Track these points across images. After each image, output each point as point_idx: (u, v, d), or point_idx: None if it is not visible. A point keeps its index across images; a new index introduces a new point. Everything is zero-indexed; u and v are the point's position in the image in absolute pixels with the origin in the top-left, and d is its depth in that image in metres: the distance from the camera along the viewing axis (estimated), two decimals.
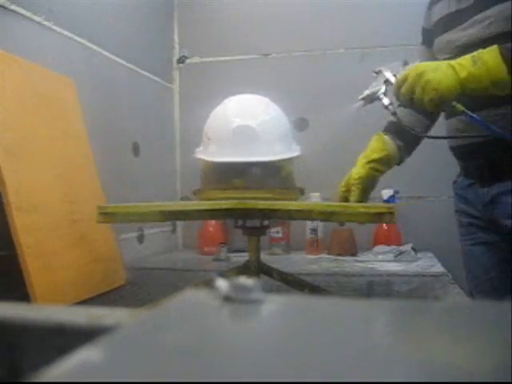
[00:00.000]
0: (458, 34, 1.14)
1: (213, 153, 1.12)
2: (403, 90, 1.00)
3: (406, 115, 1.22)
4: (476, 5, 1.12)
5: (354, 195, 1.13)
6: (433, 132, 1.31)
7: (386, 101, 1.07)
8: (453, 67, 0.96)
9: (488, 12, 1.09)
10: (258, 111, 1.15)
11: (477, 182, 1.20)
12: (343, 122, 1.19)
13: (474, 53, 0.97)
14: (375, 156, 1.16)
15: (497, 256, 1.21)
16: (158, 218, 1.02)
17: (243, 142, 1.10)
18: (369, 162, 1.16)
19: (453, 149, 1.25)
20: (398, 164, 1.23)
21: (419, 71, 0.97)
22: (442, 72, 0.96)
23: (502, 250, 1.18)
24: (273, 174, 1.15)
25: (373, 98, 1.08)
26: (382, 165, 1.17)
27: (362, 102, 1.10)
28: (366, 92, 1.08)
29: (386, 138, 1.19)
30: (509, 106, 1.08)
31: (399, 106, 1.10)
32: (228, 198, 1.07)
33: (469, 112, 1.01)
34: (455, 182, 1.31)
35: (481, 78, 0.94)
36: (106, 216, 0.97)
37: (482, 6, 1.10)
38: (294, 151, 1.18)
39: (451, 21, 1.17)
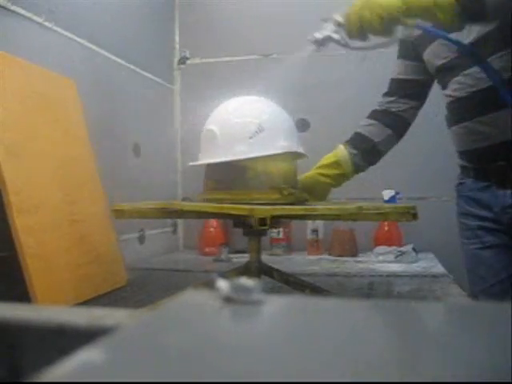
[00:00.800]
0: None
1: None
2: (352, 18, 1.03)
3: (368, 125, 1.31)
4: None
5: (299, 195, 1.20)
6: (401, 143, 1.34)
7: (336, 36, 1.09)
8: None
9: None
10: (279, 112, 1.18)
11: (494, 184, 1.19)
12: (298, 66, 1.23)
13: None
14: (323, 162, 1.27)
15: (508, 258, 1.20)
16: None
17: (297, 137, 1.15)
18: (317, 167, 1.27)
19: (466, 153, 1.24)
20: (357, 172, 1.30)
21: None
22: None
23: None
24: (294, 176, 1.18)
25: (325, 40, 1.11)
26: (330, 169, 1.26)
27: (313, 46, 1.12)
28: (317, 34, 1.10)
29: (341, 146, 1.29)
30: (507, 109, 1.08)
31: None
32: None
33: (421, 24, 1.02)
34: (461, 184, 1.29)
35: None
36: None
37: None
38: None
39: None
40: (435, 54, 1.22)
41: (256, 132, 1.08)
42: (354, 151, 1.28)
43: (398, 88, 1.32)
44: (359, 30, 1.03)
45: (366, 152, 1.29)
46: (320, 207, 1.08)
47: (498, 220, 1.20)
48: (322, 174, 1.26)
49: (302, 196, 1.17)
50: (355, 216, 1.01)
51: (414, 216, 0.97)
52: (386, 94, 1.34)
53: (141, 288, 1.29)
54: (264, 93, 1.20)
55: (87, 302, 1.09)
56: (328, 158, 1.28)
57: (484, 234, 1.23)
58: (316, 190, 1.25)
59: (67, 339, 0.35)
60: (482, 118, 1.15)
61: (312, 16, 1.98)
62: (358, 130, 1.32)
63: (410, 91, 1.29)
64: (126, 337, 0.28)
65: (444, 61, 1.21)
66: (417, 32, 1.24)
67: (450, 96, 1.21)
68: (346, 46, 1.10)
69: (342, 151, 1.28)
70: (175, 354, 0.25)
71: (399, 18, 0.98)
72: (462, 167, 1.28)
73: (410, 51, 1.28)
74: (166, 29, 2.11)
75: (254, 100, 1.20)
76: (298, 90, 1.92)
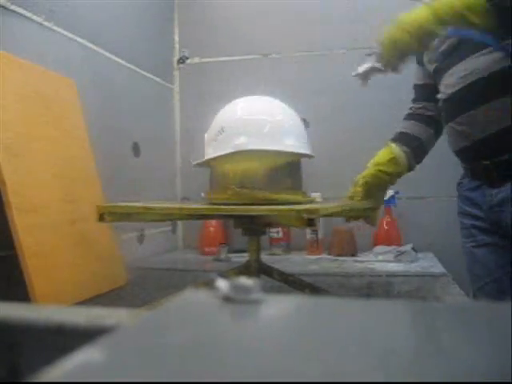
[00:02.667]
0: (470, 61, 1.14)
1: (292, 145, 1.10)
2: (386, 41, 1.01)
3: (412, 125, 1.31)
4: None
5: (357, 195, 1.22)
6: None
7: (377, 64, 1.07)
8: (425, 4, 0.99)
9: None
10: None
11: (484, 183, 1.20)
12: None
13: None
14: (381, 160, 1.23)
15: (501, 257, 1.20)
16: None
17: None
18: (375, 165, 1.23)
19: (457, 152, 1.25)
20: (409, 170, 1.29)
21: (394, 21, 1.01)
22: (414, 10, 0.99)
23: (508, 252, 1.18)
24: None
25: (367, 72, 1.09)
26: (389, 167, 1.23)
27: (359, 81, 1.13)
28: (360, 68, 1.10)
29: (393, 145, 1.26)
30: (507, 98, 1.08)
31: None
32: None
33: (453, 29, 1.03)
34: (460, 184, 1.30)
35: (453, 4, 0.94)
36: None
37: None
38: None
39: (456, 52, 1.17)
40: (430, 59, 1.24)
41: (219, 132, 1.09)
42: (407, 149, 1.26)
43: (420, 94, 1.34)
44: (394, 50, 1.01)
45: (417, 150, 1.29)
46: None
47: (488, 219, 1.21)
48: (383, 172, 1.23)
49: (256, 195, 1.09)
50: None
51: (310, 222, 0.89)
52: (414, 101, 1.36)
53: (140, 287, 1.29)
54: (264, 93, 1.20)
55: (87, 302, 1.09)
56: (384, 156, 1.24)
57: (477, 233, 1.25)
58: (377, 188, 1.23)
59: (67, 339, 0.35)
60: (459, 117, 1.16)
61: (312, 16, 1.99)
62: (404, 130, 1.31)
63: (432, 95, 1.27)
64: (125, 336, 0.28)
65: (435, 64, 1.22)
66: (433, 63, 1.25)
67: (439, 98, 1.23)
68: (387, 71, 1.09)
69: (396, 149, 1.25)
70: (175, 354, 0.25)
71: (430, 29, 0.97)
72: (463, 167, 1.29)
73: (421, 57, 1.29)
74: (166, 28, 2.11)
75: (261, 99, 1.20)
76: (298, 90, 1.92)
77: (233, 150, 1.06)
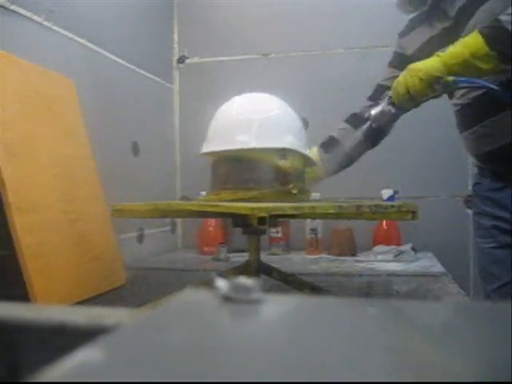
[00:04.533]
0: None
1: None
2: (399, 88, 1.09)
3: (341, 129, 1.35)
4: (457, 19, 1.14)
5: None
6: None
7: (387, 108, 1.14)
8: (436, 54, 1.06)
9: (475, 18, 1.10)
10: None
11: (509, 184, 1.20)
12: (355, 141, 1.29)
13: None
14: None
15: None
16: None
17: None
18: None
19: (480, 155, 1.25)
20: (328, 175, 1.32)
21: (407, 67, 1.08)
22: (426, 59, 1.07)
23: None
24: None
25: (378, 114, 1.16)
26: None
27: (368, 123, 1.16)
28: (373, 111, 1.15)
29: (314, 149, 1.31)
30: (505, 113, 1.09)
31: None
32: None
33: (460, 78, 1.05)
34: (478, 184, 1.30)
35: (459, 52, 1.02)
36: None
37: (465, 17, 1.12)
38: None
39: (441, 39, 1.19)
40: None
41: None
42: (326, 155, 1.30)
43: (380, 93, 1.33)
44: (406, 96, 1.09)
45: (337, 156, 1.30)
46: (315, 205, 1.07)
47: (511, 220, 1.21)
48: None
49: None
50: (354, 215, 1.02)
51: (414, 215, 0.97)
52: (369, 98, 1.35)
53: (140, 287, 1.29)
54: (263, 92, 1.20)
55: (87, 301, 1.09)
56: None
57: (499, 234, 1.24)
58: None
59: (67, 338, 0.35)
60: (487, 121, 1.17)
61: (311, 16, 1.99)
62: (333, 134, 1.34)
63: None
64: (125, 336, 0.28)
65: None
66: (415, 46, 1.26)
67: (457, 104, 1.23)
68: (398, 114, 1.17)
69: (314, 154, 1.29)
70: (175, 354, 0.25)
71: (440, 76, 1.04)
72: (479, 168, 1.29)
73: (404, 64, 1.28)
74: (165, 28, 2.11)
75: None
76: (298, 89, 1.92)
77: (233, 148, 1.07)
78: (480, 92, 1.15)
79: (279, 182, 1.10)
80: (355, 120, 1.33)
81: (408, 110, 1.14)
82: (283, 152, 1.09)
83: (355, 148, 1.31)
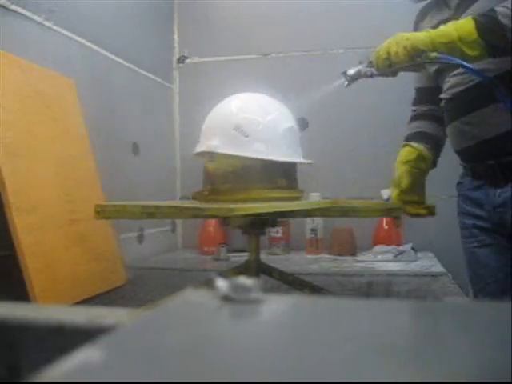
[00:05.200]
0: None
1: (261, 151, 1.10)
2: (381, 51, 1.09)
3: (425, 125, 1.31)
4: (456, 11, 1.14)
5: (394, 195, 1.22)
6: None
7: (366, 69, 1.13)
8: (426, 30, 1.07)
9: (469, 11, 1.10)
10: (286, 113, 1.18)
11: (487, 183, 1.19)
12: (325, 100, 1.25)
13: None
14: (409, 157, 1.23)
15: (504, 258, 1.20)
16: None
17: (289, 143, 1.14)
18: (404, 163, 1.22)
19: (459, 152, 1.24)
20: (433, 167, 1.29)
21: (396, 34, 1.08)
22: (416, 32, 1.08)
23: (509, 252, 1.18)
24: (296, 174, 1.21)
25: (355, 74, 1.14)
26: (419, 163, 1.23)
27: (344, 81, 1.16)
28: (350, 71, 1.15)
29: (412, 143, 1.25)
30: (485, 109, 1.10)
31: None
32: (277, 198, 1.09)
33: (442, 55, 1.05)
34: (460, 184, 1.30)
35: (449, 33, 1.02)
36: None
37: (463, 8, 1.12)
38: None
39: None
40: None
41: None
42: (428, 146, 1.26)
43: (424, 96, 1.34)
44: (386, 60, 1.08)
45: (435, 147, 1.29)
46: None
47: (490, 219, 1.20)
48: (416, 168, 1.23)
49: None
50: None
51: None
52: (417, 103, 1.35)
53: (140, 287, 1.29)
54: (263, 92, 1.20)
55: (86, 301, 1.09)
56: (410, 154, 1.24)
57: (479, 233, 1.24)
58: (415, 185, 1.23)
59: (66, 338, 0.35)
60: (465, 117, 1.17)
61: (311, 16, 1.99)
62: (418, 130, 1.30)
63: (436, 97, 1.27)
64: (125, 336, 0.28)
65: (436, 66, 1.22)
66: None
67: (443, 99, 1.23)
68: (371, 76, 1.15)
69: (419, 146, 1.25)
70: (174, 353, 0.25)
71: (424, 50, 1.04)
72: (462, 166, 1.28)
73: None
74: (165, 28, 2.11)
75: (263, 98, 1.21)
76: (298, 89, 1.92)
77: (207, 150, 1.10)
78: (463, 87, 1.15)
79: (209, 184, 1.13)
80: (424, 117, 1.33)
81: (384, 75, 1.13)
82: (210, 155, 1.12)
83: (442, 138, 1.31)
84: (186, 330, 0.29)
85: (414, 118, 1.34)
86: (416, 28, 1.31)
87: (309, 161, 1.19)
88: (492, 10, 1.00)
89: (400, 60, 1.06)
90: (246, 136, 1.10)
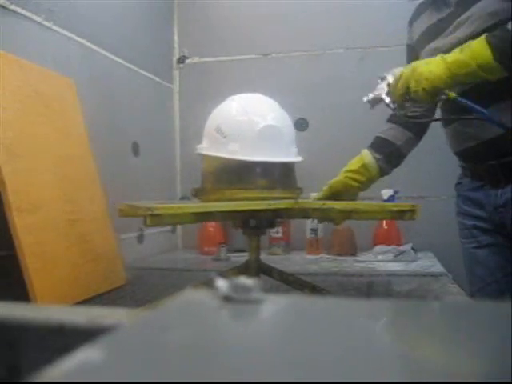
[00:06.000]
0: (444, 40, 1.16)
1: (235, 151, 1.10)
2: (399, 85, 1.06)
3: (389, 129, 1.31)
4: (456, 9, 1.13)
5: (318, 196, 1.26)
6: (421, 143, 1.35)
7: (387, 99, 1.12)
8: (442, 57, 1.03)
9: (469, 12, 1.10)
10: (275, 111, 1.17)
11: (487, 183, 1.19)
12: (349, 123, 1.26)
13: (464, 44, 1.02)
14: (351, 167, 1.27)
15: (504, 258, 1.20)
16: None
17: (268, 142, 1.12)
18: (345, 171, 1.27)
19: (459, 153, 1.24)
20: (382, 175, 1.31)
21: (413, 67, 1.05)
22: (432, 63, 1.03)
23: (509, 252, 1.18)
24: (288, 174, 1.19)
25: (376, 100, 1.14)
26: (359, 174, 1.26)
27: (368, 105, 1.16)
28: (371, 95, 1.14)
29: (365, 151, 1.29)
30: (509, 101, 1.09)
31: (397, 107, 1.13)
32: (254, 198, 1.09)
33: (462, 99, 1.04)
34: (459, 184, 1.30)
35: (467, 62, 0.99)
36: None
37: (463, 7, 1.12)
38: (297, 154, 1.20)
39: (434, 31, 1.19)
40: (427, 57, 1.24)
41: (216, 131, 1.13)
42: (379, 155, 1.28)
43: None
44: (406, 95, 1.07)
45: (390, 155, 1.29)
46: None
47: (491, 220, 1.20)
48: (352, 178, 1.26)
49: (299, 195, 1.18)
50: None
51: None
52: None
53: (140, 287, 1.29)
54: (263, 92, 1.20)
55: (86, 301, 1.09)
56: (355, 163, 1.28)
57: (479, 234, 1.24)
58: (345, 194, 1.25)
59: (67, 338, 0.35)
60: (457, 121, 1.17)
61: (311, 16, 1.99)
62: (380, 135, 1.32)
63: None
64: (125, 336, 0.28)
65: None
66: (417, 34, 1.26)
67: (441, 99, 1.23)
68: (394, 110, 1.16)
69: (367, 156, 1.28)
70: (175, 354, 0.25)
71: (443, 89, 1.03)
72: (462, 167, 1.28)
73: (414, 57, 1.28)
74: (165, 28, 2.11)
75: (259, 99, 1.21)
76: (298, 89, 1.92)
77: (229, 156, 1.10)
78: (462, 88, 1.14)
79: (285, 183, 1.15)
80: (398, 119, 1.33)
81: (401, 108, 1.13)
82: (201, 156, 1.17)
83: (406, 145, 1.31)
84: (186, 330, 0.29)
85: (388, 118, 1.34)
86: (410, 26, 1.31)
87: (291, 159, 1.17)
88: (504, 28, 0.98)
89: (418, 99, 1.06)
90: (224, 137, 1.11)
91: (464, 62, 0.99)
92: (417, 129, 1.31)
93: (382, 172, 1.29)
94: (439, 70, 1.01)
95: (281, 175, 1.16)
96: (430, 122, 1.30)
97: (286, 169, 1.17)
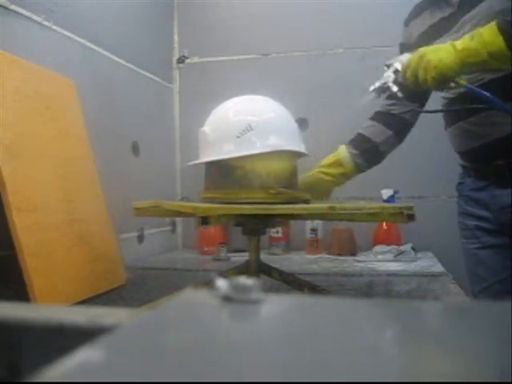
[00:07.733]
0: (448, 39, 1.14)
1: (215, 153, 1.09)
2: (408, 73, 1.05)
3: (369, 126, 1.33)
4: (461, 7, 1.13)
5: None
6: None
7: (394, 88, 1.11)
8: (452, 44, 1.00)
9: (475, 10, 1.09)
10: (275, 110, 1.17)
11: (493, 183, 1.19)
12: (354, 115, 1.29)
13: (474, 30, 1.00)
14: (325, 162, 1.29)
15: (507, 258, 1.19)
16: None
17: (299, 137, 1.15)
18: (319, 166, 1.28)
19: (464, 153, 1.24)
20: (358, 171, 1.32)
21: (421, 54, 1.02)
22: (442, 51, 1.00)
23: None
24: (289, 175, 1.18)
25: (383, 88, 1.12)
26: (332, 168, 1.28)
27: (373, 94, 1.14)
28: (377, 83, 1.12)
29: (342, 146, 1.30)
30: (491, 111, 1.09)
31: (398, 96, 1.12)
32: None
33: (471, 86, 1.02)
34: (461, 184, 1.29)
35: (478, 51, 0.97)
36: None
37: (468, 6, 1.11)
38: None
39: (437, 30, 1.18)
40: None
41: (244, 131, 1.07)
42: (355, 151, 1.29)
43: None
44: (414, 84, 1.06)
45: (367, 152, 1.29)
46: (285, 207, 1.05)
47: (496, 220, 1.19)
48: (324, 173, 1.27)
49: (299, 196, 1.14)
50: (328, 216, 1.01)
51: (410, 217, 0.91)
52: (388, 97, 1.33)
53: (140, 287, 1.29)
54: (263, 92, 1.20)
55: (86, 301, 1.09)
56: (330, 158, 1.29)
57: (482, 234, 1.23)
58: (318, 189, 1.25)
59: (67, 338, 0.35)
60: (473, 117, 1.15)
61: (311, 16, 1.99)
62: (360, 131, 1.32)
63: (410, 94, 1.28)
64: (125, 336, 0.28)
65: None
66: (416, 33, 1.25)
67: (445, 98, 1.22)
68: (400, 99, 1.15)
69: (343, 151, 1.29)
70: (175, 353, 0.25)
71: (453, 77, 1.01)
72: (463, 167, 1.28)
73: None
74: (165, 28, 2.11)
75: (248, 99, 1.19)
76: (298, 89, 1.92)
77: (268, 150, 1.06)
78: (483, 83, 1.12)
79: (263, 184, 1.12)
80: (381, 117, 1.32)
81: (409, 98, 1.13)
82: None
83: (385, 144, 1.31)
84: (186, 329, 0.29)
85: (372, 115, 1.35)
86: (407, 26, 1.30)
87: (255, 151, 1.09)
88: None
89: (427, 87, 1.04)
90: (207, 140, 1.12)
91: (475, 51, 0.96)
92: (398, 128, 1.31)
93: (358, 168, 1.30)
94: (449, 60, 0.98)
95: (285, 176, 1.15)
96: (440, 112, 1.28)
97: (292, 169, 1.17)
